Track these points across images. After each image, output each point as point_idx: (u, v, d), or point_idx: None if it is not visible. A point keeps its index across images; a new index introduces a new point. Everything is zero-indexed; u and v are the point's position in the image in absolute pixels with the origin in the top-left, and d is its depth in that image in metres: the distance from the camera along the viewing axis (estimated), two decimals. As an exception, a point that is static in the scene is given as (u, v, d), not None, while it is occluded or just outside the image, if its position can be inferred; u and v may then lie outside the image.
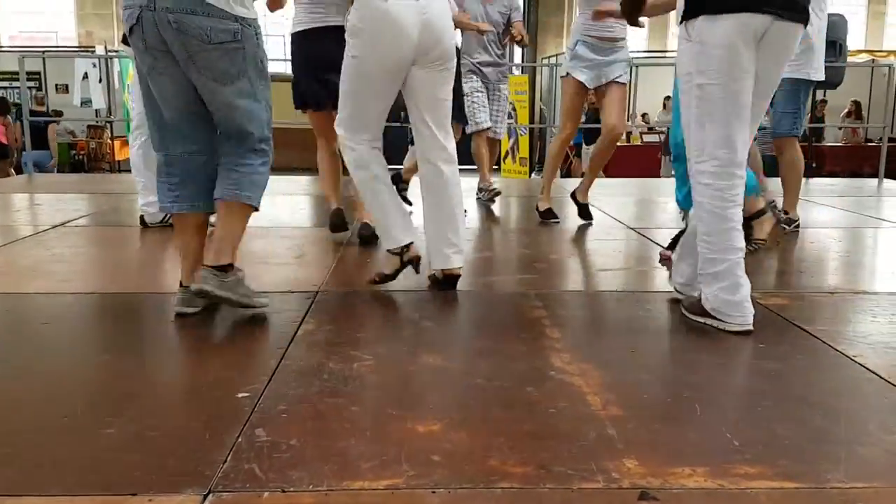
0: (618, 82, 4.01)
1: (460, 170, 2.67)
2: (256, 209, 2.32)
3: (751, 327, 2.19)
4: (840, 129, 12.68)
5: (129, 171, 4.19)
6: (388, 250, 2.68)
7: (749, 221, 2.65)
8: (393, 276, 2.68)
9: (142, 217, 3.91)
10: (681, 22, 2.22)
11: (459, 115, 4.10)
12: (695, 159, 2.23)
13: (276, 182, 5.51)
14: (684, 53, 2.22)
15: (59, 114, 13.28)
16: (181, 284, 2.35)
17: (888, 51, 14.50)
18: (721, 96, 2.15)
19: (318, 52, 3.31)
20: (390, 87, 2.58)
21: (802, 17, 2.20)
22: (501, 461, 1.42)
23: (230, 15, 2.14)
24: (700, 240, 2.24)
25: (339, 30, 2.94)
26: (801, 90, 3.81)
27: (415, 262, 2.66)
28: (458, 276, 2.67)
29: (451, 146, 2.66)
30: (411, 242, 2.65)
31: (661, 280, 3.08)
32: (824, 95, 10.91)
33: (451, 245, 2.61)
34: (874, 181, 6.72)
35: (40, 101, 13.05)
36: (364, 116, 2.61)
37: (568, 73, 4.01)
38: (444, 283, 2.67)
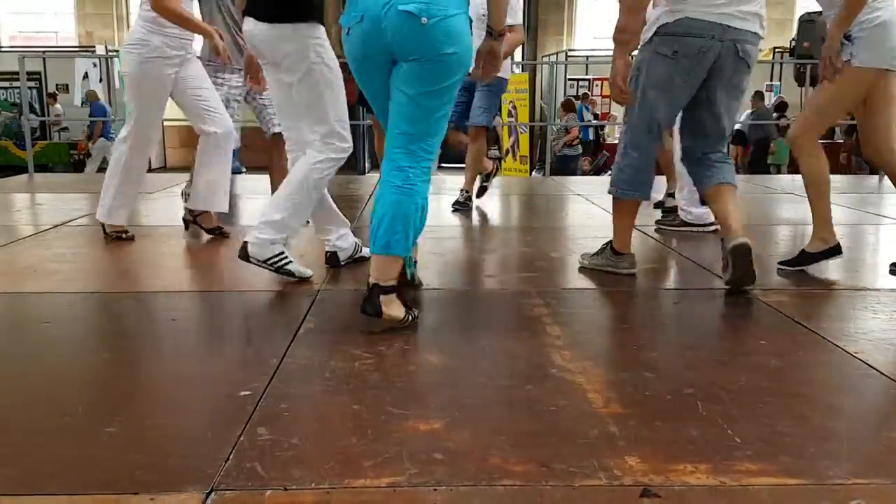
0: None
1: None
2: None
3: None
4: (836, 128, 12.67)
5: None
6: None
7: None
8: None
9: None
10: None
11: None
12: None
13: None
14: None
15: (52, 96, 13.03)
16: (616, 251, 2.86)
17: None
18: None
19: None
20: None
21: None
22: (503, 459, 1.42)
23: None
24: None
25: None
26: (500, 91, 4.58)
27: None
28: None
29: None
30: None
31: (662, 277, 3.08)
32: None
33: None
34: (874, 178, 6.71)
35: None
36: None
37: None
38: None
